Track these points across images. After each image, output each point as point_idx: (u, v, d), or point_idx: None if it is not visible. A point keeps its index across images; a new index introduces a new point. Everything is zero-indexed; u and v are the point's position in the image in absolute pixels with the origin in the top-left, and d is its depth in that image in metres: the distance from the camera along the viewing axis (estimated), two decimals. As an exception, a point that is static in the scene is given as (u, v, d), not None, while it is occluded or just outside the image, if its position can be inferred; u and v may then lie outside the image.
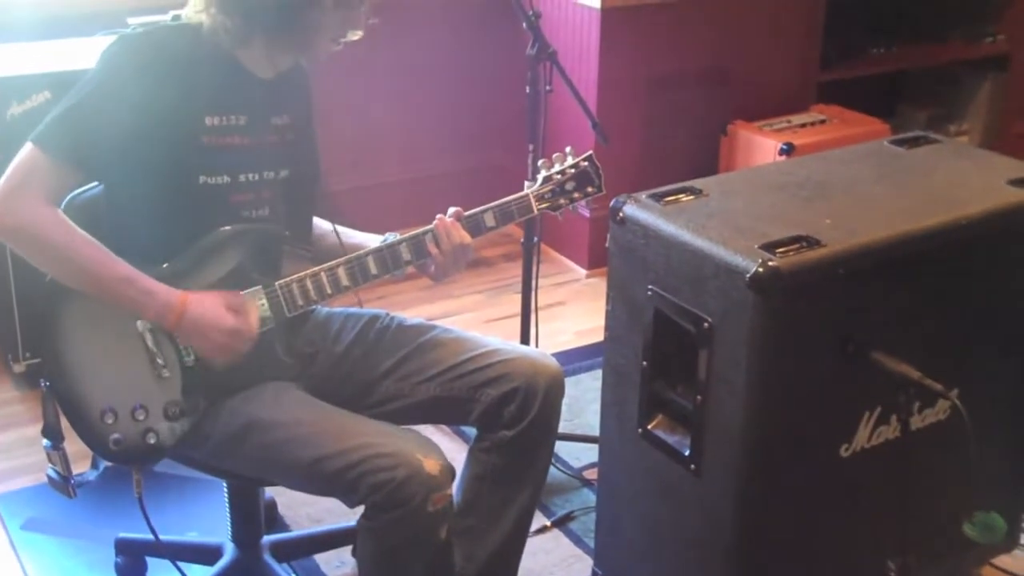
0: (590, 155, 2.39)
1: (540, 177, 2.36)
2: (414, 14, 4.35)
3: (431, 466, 2.05)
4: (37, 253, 2.08)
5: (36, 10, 3.67)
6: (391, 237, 2.28)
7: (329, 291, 2.21)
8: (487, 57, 4.57)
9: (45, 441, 2.22)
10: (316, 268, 2.20)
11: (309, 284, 2.19)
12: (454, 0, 4.44)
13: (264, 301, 2.17)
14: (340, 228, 2.37)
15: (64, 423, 2.18)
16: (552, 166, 2.37)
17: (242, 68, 2.17)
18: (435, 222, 2.24)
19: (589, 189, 2.38)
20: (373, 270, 2.22)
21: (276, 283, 2.18)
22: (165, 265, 2.14)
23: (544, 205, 2.35)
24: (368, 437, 2.08)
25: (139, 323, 2.13)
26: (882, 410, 2.20)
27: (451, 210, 2.27)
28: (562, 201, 2.36)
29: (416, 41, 4.43)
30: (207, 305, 2.11)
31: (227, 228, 2.17)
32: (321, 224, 2.40)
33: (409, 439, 2.11)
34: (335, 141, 4.22)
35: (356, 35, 2.20)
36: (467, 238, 2.25)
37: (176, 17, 2.18)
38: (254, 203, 2.21)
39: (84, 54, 3.32)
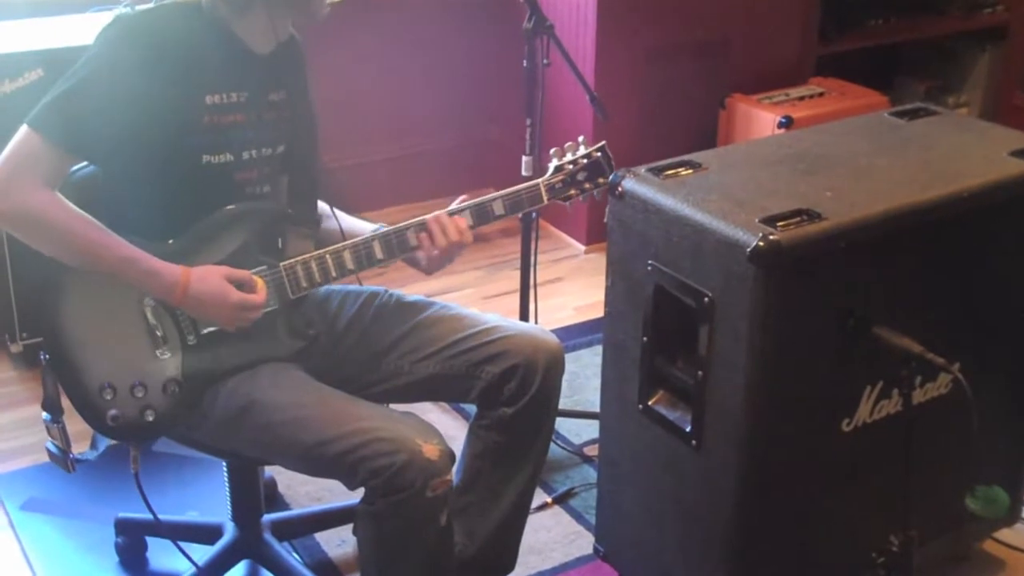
0: (603, 145, 2.37)
1: (551, 166, 2.34)
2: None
3: (430, 451, 2.04)
4: (37, 237, 2.06)
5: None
6: (381, 229, 2.27)
7: (334, 274, 2.20)
8: (480, 31, 4.54)
9: (45, 414, 2.21)
10: (322, 251, 2.19)
11: (314, 266, 2.18)
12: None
13: (268, 282, 2.16)
14: (340, 213, 2.36)
15: (65, 402, 2.17)
16: (564, 155, 2.35)
17: (241, 44, 2.15)
18: (429, 217, 2.23)
19: (600, 180, 2.37)
20: (379, 255, 2.22)
21: (281, 264, 2.17)
22: (171, 242, 2.13)
23: (555, 195, 2.34)
24: (368, 421, 2.07)
25: (141, 299, 2.12)
26: (884, 384, 2.20)
27: (455, 203, 2.26)
28: (572, 191, 2.35)
29: (409, 16, 4.40)
30: (211, 281, 2.10)
31: (231, 208, 2.16)
32: (322, 207, 2.38)
33: (409, 424, 2.09)
34: (327, 118, 4.19)
35: None
36: (468, 238, 2.24)
37: (171, -6, 2.16)
38: (257, 180, 2.20)
39: (77, 31, 3.30)
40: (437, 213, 2.24)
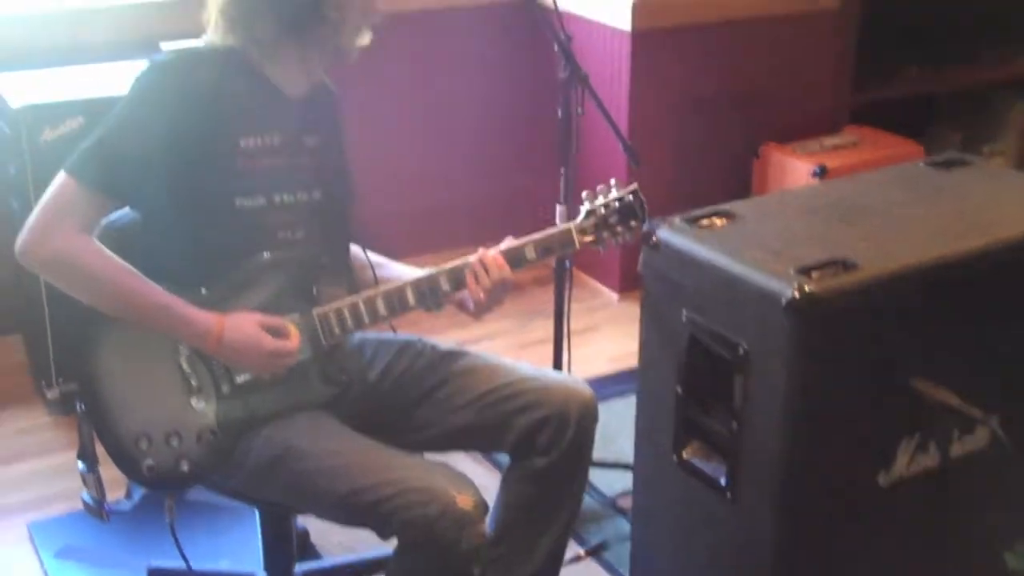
0: (635, 188, 2.33)
1: (583, 209, 2.32)
2: (438, 39, 4.35)
3: (464, 502, 2.03)
4: (74, 283, 2.08)
5: (68, 36, 3.70)
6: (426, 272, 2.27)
7: (367, 321, 2.20)
8: (515, 80, 4.57)
9: (80, 464, 2.22)
10: (355, 298, 2.19)
11: (347, 314, 2.19)
12: (477, 23, 4.44)
13: (301, 330, 2.17)
14: (379, 258, 2.37)
15: (99, 449, 2.18)
16: (596, 198, 2.33)
17: (273, 87, 2.18)
18: (473, 257, 2.22)
19: (633, 223, 2.32)
20: (411, 301, 2.21)
21: (314, 312, 2.18)
22: (204, 291, 2.14)
23: (587, 239, 2.31)
24: (402, 471, 2.06)
25: (176, 349, 2.13)
26: (921, 437, 2.17)
27: (504, 242, 2.26)
28: (605, 235, 2.32)
29: (443, 65, 4.43)
30: (245, 329, 2.10)
31: (266, 256, 2.17)
32: (359, 255, 2.39)
33: (443, 474, 2.08)
34: (360, 166, 4.22)
35: (365, 39, 2.20)
36: (508, 273, 2.23)
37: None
38: (290, 224, 2.21)
39: (117, 80, 3.33)
40: (479, 252, 2.24)
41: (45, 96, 3.29)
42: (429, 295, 2.23)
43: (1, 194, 3.50)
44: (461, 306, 2.30)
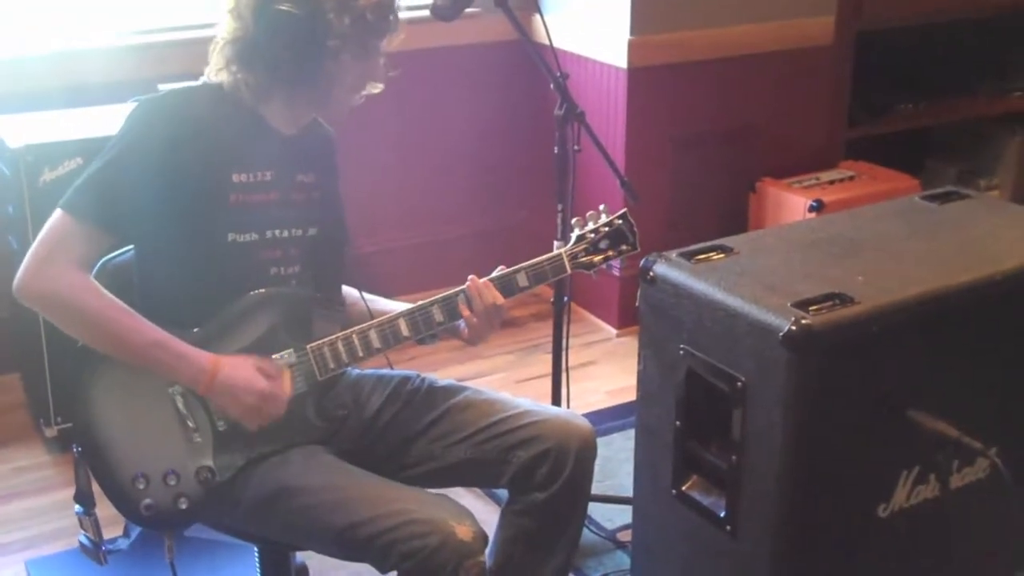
0: (624, 213, 2.37)
1: (573, 235, 2.35)
2: (436, 76, 4.38)
3: (464, 533, 2.03)
4: (68, 319, 2.08)
5: (67, 78, 3.72)
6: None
7: (361, 354, 2.20)
8: (512, 117, 4.59)
9: (77, 507, 2.21)
10: (348, 331, 2.20)
11: (341, 347, 2.19)
12: (475, 61, 4.47)
13: (295, 364, 2.17)
14: (368, 296, 2.38)
15: (96, 488, 2.18)
16: (585, 224, 2.35)
17: (265, 124, 2.19)
18: (467, 283, 2.24)
19: (623, 247, 2.36)
20: (405, 332, 2.22)
21: (308, 346, 2.18)
22: (196, 330, 2.14)
23: (577, 264, 2.33)
24: (400, 503, 2.06)
25: (171, 388, 2.13)
26: (920, 469, 2.17)
27: (496, 271, 2.27)
28: (596, 259, 2.34)
29: (440, 102, 4.45)
30: (239, 368, 2.11)
31: (258, 292, 2.17)
32: (349, 291, 2.40)
33: (442, 505, 2.09)
34: (358, 202, 4.24)
35: (376, 88, 2.22)
36: (500, 298, 2.25)
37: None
38: (283, 260, 2.22)
39: (115, 121, 3.34)
40: (470, 279, 2.25)
41: (44, 137, 3.31)
42: (423, 325, 2.23)
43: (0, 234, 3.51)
44: (456, 333, 2.31)
